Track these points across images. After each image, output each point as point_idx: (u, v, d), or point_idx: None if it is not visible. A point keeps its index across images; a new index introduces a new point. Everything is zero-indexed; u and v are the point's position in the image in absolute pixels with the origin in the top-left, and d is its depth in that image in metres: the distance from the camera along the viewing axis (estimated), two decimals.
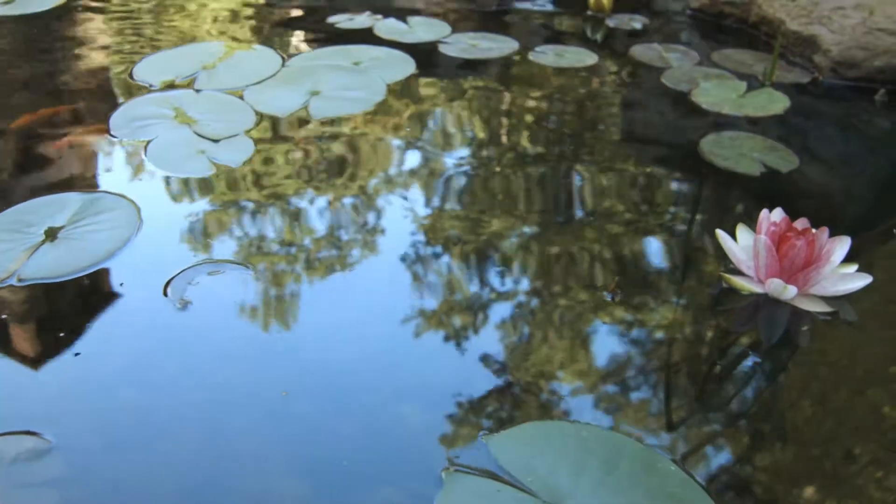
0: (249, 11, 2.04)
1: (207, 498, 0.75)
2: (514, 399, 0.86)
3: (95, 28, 1.89)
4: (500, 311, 0.99)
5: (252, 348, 0.92)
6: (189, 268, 1.03)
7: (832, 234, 1.01)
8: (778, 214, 1.03)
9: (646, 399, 0.87)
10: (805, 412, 0.87)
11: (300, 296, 1.02)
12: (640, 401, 0.87)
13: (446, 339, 0.95)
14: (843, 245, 1.02)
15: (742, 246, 1.05)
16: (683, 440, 0.81)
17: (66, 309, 0.99)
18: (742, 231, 1.08)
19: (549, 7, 2.09)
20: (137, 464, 0.77)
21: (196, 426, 0.82)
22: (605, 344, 0.95)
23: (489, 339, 0.94)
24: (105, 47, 1.78)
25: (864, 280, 1.00)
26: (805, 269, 0.97)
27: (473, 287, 1.04)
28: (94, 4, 2.02)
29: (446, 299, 1.01)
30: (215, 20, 1.97)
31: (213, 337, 0.94)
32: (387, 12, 1.97)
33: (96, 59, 1.71)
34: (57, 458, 0.77)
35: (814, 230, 1.00)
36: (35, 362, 0.90)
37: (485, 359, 0.92)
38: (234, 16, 2.00)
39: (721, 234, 1.05)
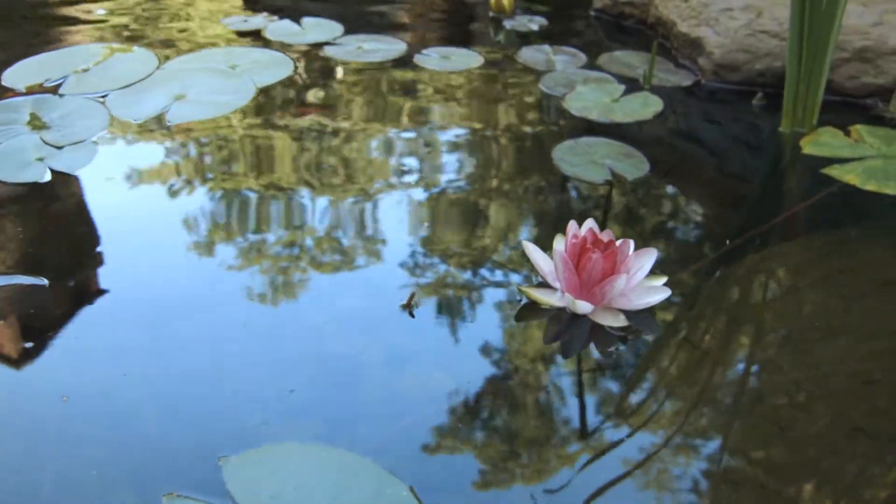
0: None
1: None
2: (283, 421, 0.84)
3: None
4: (300, 322, 0.97)
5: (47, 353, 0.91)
6: None
7: (663, 246, 0.99)
8: (586, 226, 1.01)
9: (416, 421, 0.85)
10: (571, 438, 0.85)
11: (114, 306, 0.99)
12: (410, 422, 0.84)
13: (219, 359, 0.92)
14: (648, 257, 0.99)
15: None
16: (430, 464, 0.79)
17: None
18: (559, 242, 1.05)
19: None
20: None
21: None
22: (394, 360, 0.92)
23: (268, 358, 0.92)
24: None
25: (664, 293, 0.97)
26: (601, 282, 0.95)
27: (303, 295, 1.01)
28: None
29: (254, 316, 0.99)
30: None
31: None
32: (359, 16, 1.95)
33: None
34: None
35: (617, 242, 0.97)
36: None
37: (263, 377, 0.89)
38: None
39: (527, 246, 1.02)
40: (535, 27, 1.94)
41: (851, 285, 1.09)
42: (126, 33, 1.85)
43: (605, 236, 0.99)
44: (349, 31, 1.86)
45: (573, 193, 1.26)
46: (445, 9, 2.12)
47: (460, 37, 1.90)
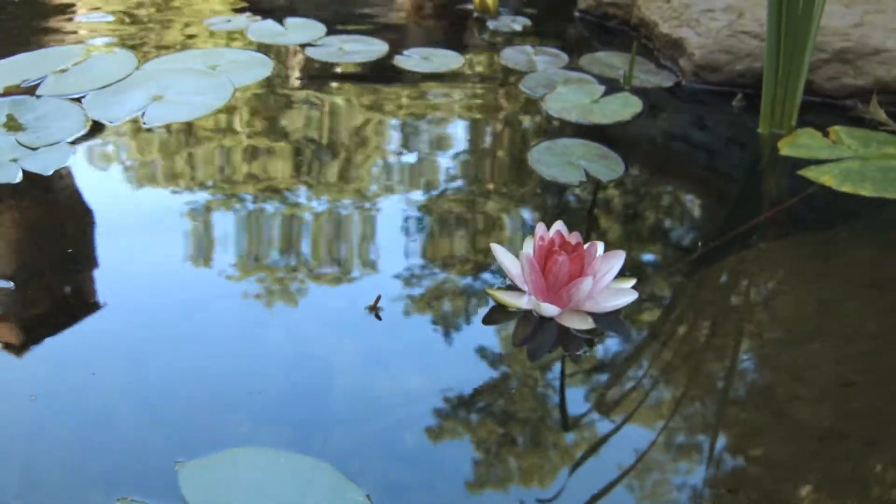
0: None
1: None
2: (255, 424, 0.83)
3: None
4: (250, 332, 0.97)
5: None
6: None
7: (637, 247, 0.98)
8: (554, 229, 1.00)
9: (383, 427, 0.84)
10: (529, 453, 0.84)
11: (86, 306, 0.99)
12: (382, 426, 0.84)
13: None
14: (616, 259, 0.99)
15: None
16: (384, 473, 0.79)
17: None
18: (528, 245, 1.05)
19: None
20: None
21: None
22: (366, 362, 0.92)
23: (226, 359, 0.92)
24: None
25: (631, 296, 0.97)
26: (567, 285, 0.94)
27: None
28: None
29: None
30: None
31: None
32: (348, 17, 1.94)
33: None
34: None
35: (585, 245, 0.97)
36: None
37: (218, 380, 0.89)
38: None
39: (496, 249, 1.02)
40: (518, 28, 1.93)
41: (829, 287, 1.09)
42: (112, 33, 1.84)
43: (573, 238, 0.98)
44: (332, 31, 1.85)
45: (549, 195, 1.26)
46: (432, 10, 2.11)
47: (444, 37, 1.89)
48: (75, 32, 1.85)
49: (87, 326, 0.96)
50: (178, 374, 0.89)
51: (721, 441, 0.83)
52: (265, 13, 1.98)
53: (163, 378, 0.88)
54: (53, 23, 1.92)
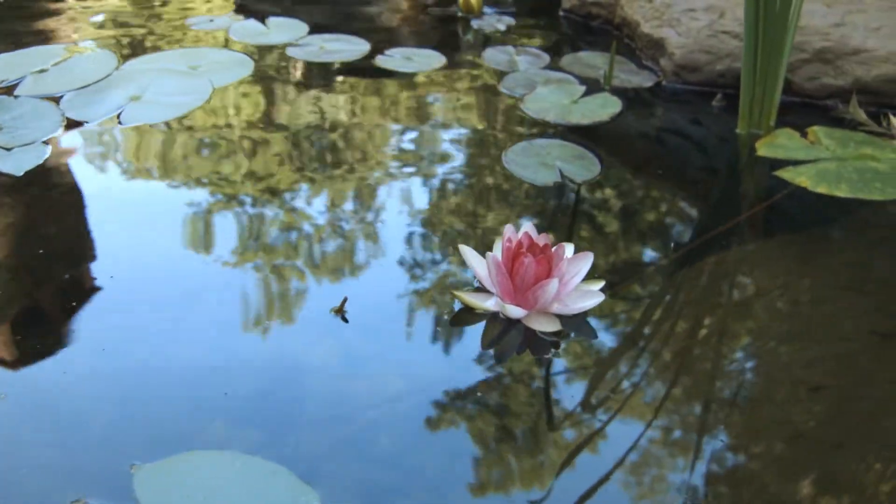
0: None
1: None
2: (226, 426, 0.83)
3: None
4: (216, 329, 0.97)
5: None
6: None
7: (612, 249, 0.98)
8: (523, 230, 1.00)
9: (349, 429, 0.84)
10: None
11: (60, 305, 0.99)
12: (354, 429, 0.84)
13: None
14: (584, 261, 0.98)
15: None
16: (346, 477, 0.78)
17: None
18: (497, 246, 1.04)
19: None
20: None
21: None
22: (332, 367, 0.92)
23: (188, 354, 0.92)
24: None
25: (598, 298, 0.96)
26: (533, 286, 0.94)
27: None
28: None
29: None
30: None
31: None
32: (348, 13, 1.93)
33: None
34: None
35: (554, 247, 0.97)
36: None
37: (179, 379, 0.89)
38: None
39: (464, 250, 1.01)
40: (502, 27, 1.93)
41: (806, 289, 1.09)
42: (96, 33, 1.84)
43: (541, 240, 0.98)
44: (316, 31, 1.85)
45: (523, 196, 1.25)
46: (421, 10, 2.11)
47: (427, 37, 1.89)
48: (60, 32, 1.84)
49: (59, 325, 0.95)
50: (151, 375, 0.88)
51: (689, 445, 0.83)
52: (251, 13, 1.98)
53: (135, 378, 0.88)
54: (39, 22, 1.91)
